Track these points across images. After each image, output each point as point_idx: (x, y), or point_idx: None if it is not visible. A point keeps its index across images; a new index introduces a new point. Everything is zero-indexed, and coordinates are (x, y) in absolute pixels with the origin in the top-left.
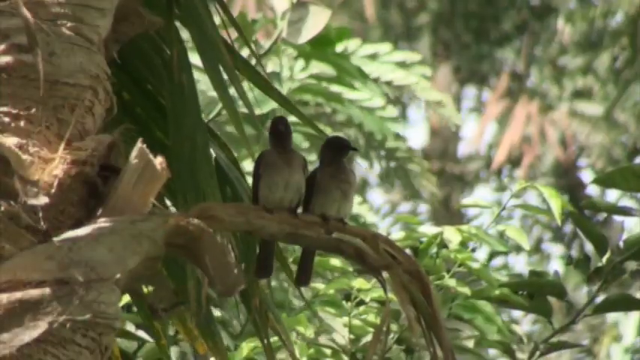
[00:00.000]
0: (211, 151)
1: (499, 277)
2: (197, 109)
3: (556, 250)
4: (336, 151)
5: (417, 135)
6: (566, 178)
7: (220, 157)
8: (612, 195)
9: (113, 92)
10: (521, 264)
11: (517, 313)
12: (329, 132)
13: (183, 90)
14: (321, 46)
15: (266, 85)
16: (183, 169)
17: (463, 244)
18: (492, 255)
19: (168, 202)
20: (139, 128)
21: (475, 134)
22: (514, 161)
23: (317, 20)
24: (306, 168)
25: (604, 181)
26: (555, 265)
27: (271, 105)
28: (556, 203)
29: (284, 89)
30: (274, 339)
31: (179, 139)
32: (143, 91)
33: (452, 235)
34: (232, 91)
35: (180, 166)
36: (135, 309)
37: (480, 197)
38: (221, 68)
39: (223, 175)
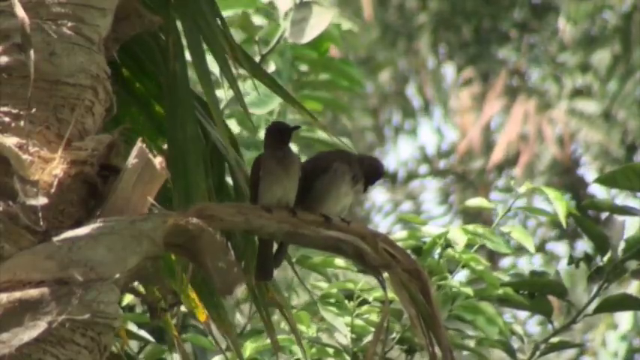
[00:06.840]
0: (208, 134)
1: (504, 277)
2: (189, 98)
3: (561, 249)
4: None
5: (422, 137)
6: (566, 176)
7: (219, 139)
8: (615, 193)
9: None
10: (532, 264)
11: (522, 315)
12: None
13: (175, 78)
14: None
15: (271, 82)
16: (176, 154)
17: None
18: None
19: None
20: (140, 107)
21: (473, 133)
22: (512, 160)
23: (320, 20)
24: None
25: (606, 180)
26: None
27: (274, 104)
28: (561, 205)
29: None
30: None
31: (173, 126)
32: (143, 70)
33: (457, 235)
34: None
35: (174, 151)
36: (136, 309)
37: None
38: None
39: (220, 157)
